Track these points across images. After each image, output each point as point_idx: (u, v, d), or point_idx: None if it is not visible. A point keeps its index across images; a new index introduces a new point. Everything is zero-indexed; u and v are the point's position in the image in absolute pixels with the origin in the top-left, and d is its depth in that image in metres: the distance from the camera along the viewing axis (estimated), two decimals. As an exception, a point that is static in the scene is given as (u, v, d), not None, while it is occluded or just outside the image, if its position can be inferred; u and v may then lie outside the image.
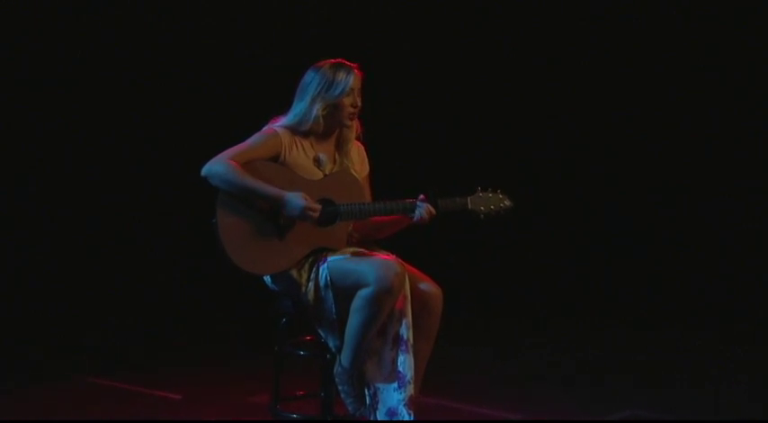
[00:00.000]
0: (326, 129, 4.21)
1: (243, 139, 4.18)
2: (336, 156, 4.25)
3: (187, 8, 6.27)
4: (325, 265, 4.08)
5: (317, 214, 3.95)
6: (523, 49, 6.58)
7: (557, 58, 6.53)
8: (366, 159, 4.35)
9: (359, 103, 4.17)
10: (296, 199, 3.98)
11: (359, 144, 4.33)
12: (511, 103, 6.64)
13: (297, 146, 4.19)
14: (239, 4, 6.32)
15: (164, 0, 6.27)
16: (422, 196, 4.13)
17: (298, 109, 4.16)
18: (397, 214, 4.15)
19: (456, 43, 6.56)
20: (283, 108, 4.27)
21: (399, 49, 6.42)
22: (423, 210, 4.09)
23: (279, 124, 4.18)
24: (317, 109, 4.13)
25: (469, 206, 4.19)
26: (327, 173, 4.20)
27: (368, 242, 4.28)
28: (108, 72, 6.22)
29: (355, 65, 4.19)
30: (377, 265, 3.97)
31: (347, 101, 4.15)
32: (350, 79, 4.13)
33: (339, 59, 4.20)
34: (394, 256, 4.07)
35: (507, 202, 4.23)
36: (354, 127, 4.25)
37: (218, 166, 4.03)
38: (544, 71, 6.58)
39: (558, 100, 6.61)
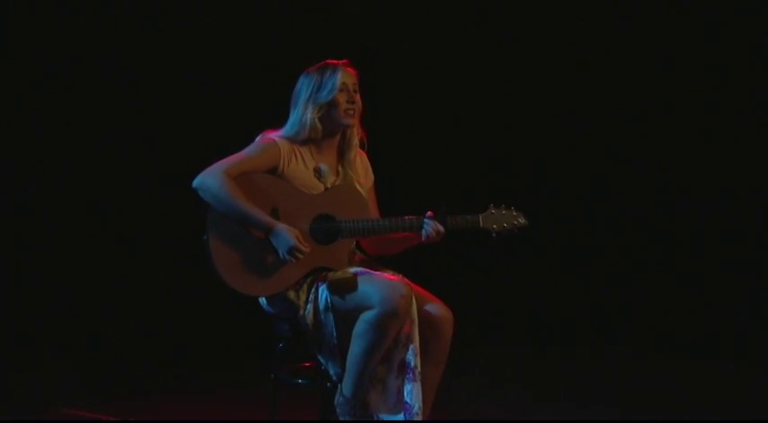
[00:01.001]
0: (326, 133, 4.09)
1: (242, 141, 4.13)
2: (339, 167, 4.13)
3: (184, 8, 6.22)
4: (325, 285, 3.95)
5: (302, 257, 3.85)
6: (545, 55, 6.52)
7: (580, 66, 6.49)
8: (370, 169, 4.24)
9: (355, 99, 4.06)
10: (285, 235, 3.88)
11: (362, 153, 4.21)
12: (533, 112, 6.54)
13: (296, 156, 4.08)
14: (239, 4, 6.27)
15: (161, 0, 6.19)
16: (429, 213, 4.01)
17: (293, 118, 4.08)
18: (403, 232, 4.04)
19: (468, 44, 6.47)
20: (282, 111, 4.19)
21: (407, 49, 6.36)
22: (430, 228, 3.98)
23: (277, 135, 4.08)
24: (311, 113, 4.03)
25: (481, 224, 4.07)
26: (329, 185, 4.08)
27: (372, 261, 4.17)
28: (107, 72, 6.18)
29: (344, 61, 4.10)
30: (381, 286, 3.84)
31: (341, 98, 4.04)
32: (337, 75, 4.04)
33: (326, 60, 4.12)
34: (400, 277, 3.96)
35: (521, 220, 4.12)
36: (356, 131, 4.13)
37: (211, 179, 3.91)
38: (567, 84, 6.51)
39: (584, 114, 6.53)
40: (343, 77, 4.05)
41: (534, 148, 6.60)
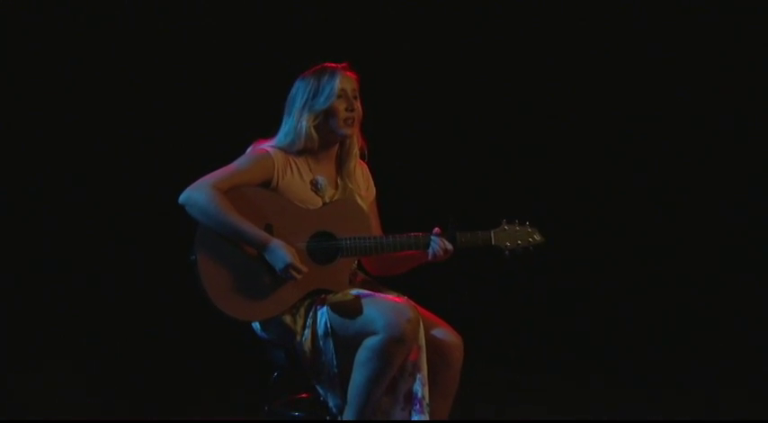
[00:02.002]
0: (323, 144, 3.97)
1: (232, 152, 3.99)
2: (338, 179, 4.02)
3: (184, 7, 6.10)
4: (325, 309, 3.82)
5: (299, 276, 3.76)
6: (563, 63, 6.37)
7: (604, 72, 6.33)
8: (371, 181, 4.13)
9: (355, 107, 3.93)
10: (281, 251, 3.77)
11: (362, 163, 4.10)
12: (553, 122, 6.37)
13: (291, 168, 3.95)
14: (230, 3, 6.12)
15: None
16: (436, 229, 3.90)
17: (287, 127, 3.96)
18: (408, 250, 3.93)
19: (479, 43, 6.30)
20: (277, 118, 4.04)
21: (409, 49, 6.20)
22: (437, 245, 3.88)
23: (270, 145, 3.95)
24: (307, 122, 3.91)
25: (493, 241, 3.96)
26: (327, 199, 3.97)
27: (374, 282, 4.05)
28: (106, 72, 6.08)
29: (343, 65, 3.97)
30: (386, 310, 3.72)
31: (339, 105, 3.91)
32: (335, 80, 3.91)
33: (323, 64, 3.99)
34: (405, 299, 3.84)
35: (537, 237, 4.00)
36: (356, 140, 4.01)
37: (199, 193, 3.78)
38: (594, 93, 6.34)
39: (613, 124, 6.38)
40: (342, 82, 3.92)
41: (552, 161, 6.43)
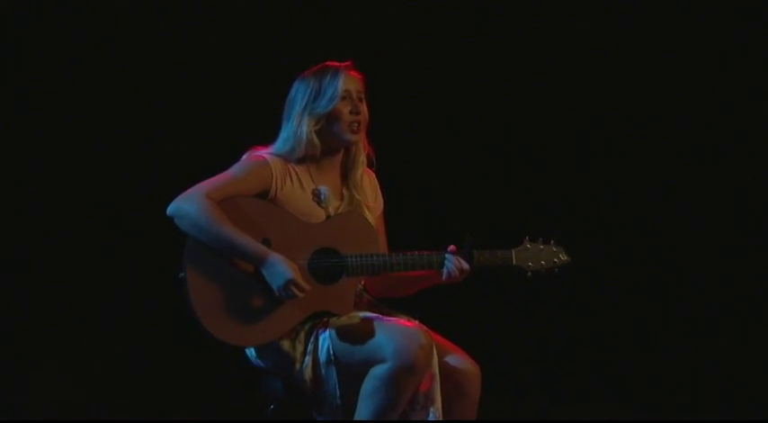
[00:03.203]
0: (326, 151, 3.83)
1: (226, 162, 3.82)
2: (344, 189, 3.89)
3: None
4: (327, 334, 3.68)
5: (301, 295, 3.62)
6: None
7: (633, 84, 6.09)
8: (379, 191, 4.00)
9: (361, 110, 3.80)
10: (281, 266, 3.62)
11: (370, 172, 3.97)
12: (581, 133, 6.13)
13: (291, 177, 3.82)
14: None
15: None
16: (452, 247, 3.77)
17: (286, 132, 3.83)
18: (420, 269, 3.80)
19: (496, 44, 6.06)
20: (276, 123, 3.89)
21: (418, 47, 5.96)
22: (453, 265, 3.74)
23: (267, 152, 3.83)
24: (308, 126, 3.78)
25: (514, 261, 3.84)
26: (331, 211, 3.83)
27: (382, 304, 3.92)
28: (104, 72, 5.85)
29: (347, 64, 3.84)
30: (395, 335, 3.58)
31: (343, 108, 3.77)
32: (339, 81, 3.78)
33: (325, 62, 3.86)
34: (417, 323, 3.67)
35: (563, 257, 3.89)
36: (362, 145, 3.88)
37: (190, 204, 3.64)
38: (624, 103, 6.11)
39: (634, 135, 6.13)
40: (346, 83, 3.79)
41: (584, 173, 6.15)
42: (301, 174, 3.81)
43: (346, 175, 3.90)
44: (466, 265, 3.73)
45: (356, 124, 3.78)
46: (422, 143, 5.85)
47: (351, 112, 3.77)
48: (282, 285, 3.60)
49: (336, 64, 3.82)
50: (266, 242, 3.68)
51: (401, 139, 5.08)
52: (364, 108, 3.81)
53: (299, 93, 3.82)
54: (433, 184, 5.93)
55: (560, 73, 6.10)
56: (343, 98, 3.76)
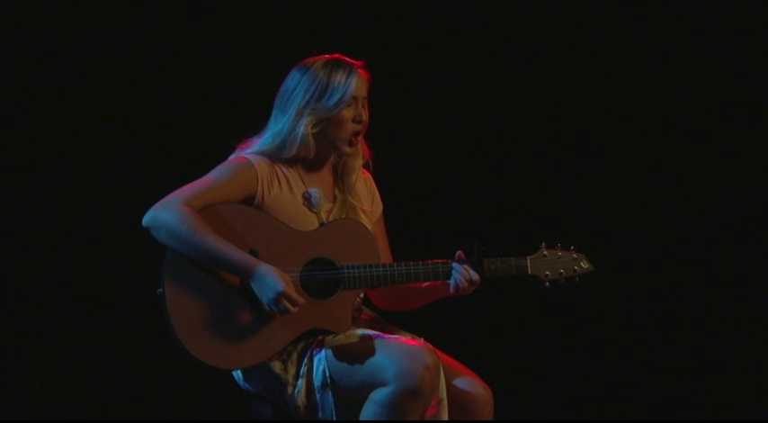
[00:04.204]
0: (320, 152, 3.66)
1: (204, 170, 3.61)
2: (336, 190, 3.73)
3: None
4: (323, 354, 3.52)
5: (294, 309, 3.44)
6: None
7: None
8: (377, 195, 3.84)
9: (364, 118, 3.62)
10: (271, 278, 3.44)
11: (367, 174, 3.82)
12: (599, 128, 5.91)
13: (278, 179, 3.63)
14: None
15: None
16: (459, 254, 3.61)
17: (278, 126, 3.62)
18: (425, 281, 3.64)
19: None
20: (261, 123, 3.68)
21: (422, 43, 5.76)
22: (460, 275, 3.57)
23: (251, 151, 3.62)
24: (306, 125, 3.58)
25: (530, 270, 3.67)
26: (324, 216, 3.67)
27: (384, 320, 3.78)
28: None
29: (360, 63, 3.63)
30: (399, 355, 3.44)
31: (348, 114, 3.58)
32: (352, 82, 3.58)
33: (336, 55, 3.64)
34: (423, 341, 3.53)
35: (585, 265, 3.72)
36: (360, 151, 3.71)
37: (167, 213, 3.46)
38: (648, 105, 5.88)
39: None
40: (357, 87, 3.58)
41: (606, 171, 5.93)
42: (290, 175, 3.64)
43: (339, 176, 3.74)
44: (475, 276, 3.57)
45: (356, 134, 3.61)
46: (425, 139, 5.67)
47: (354, 121, 3.59)
48: (273, 299, 3.42)
49: (350, 61, 3.63)
50: (253, 253, 3.50)
51: (403, 135, 4.96)
52: (367, 115, 3.64)
53: (303, 85, 3.61)
54: (439, 184, 5.73)
55: (551, 73, 5.85)
56: (349, 104, 3.58)
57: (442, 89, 5.85)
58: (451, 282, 3.55)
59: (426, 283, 3.66)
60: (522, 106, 5.94)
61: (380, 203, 3.82)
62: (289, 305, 3.43)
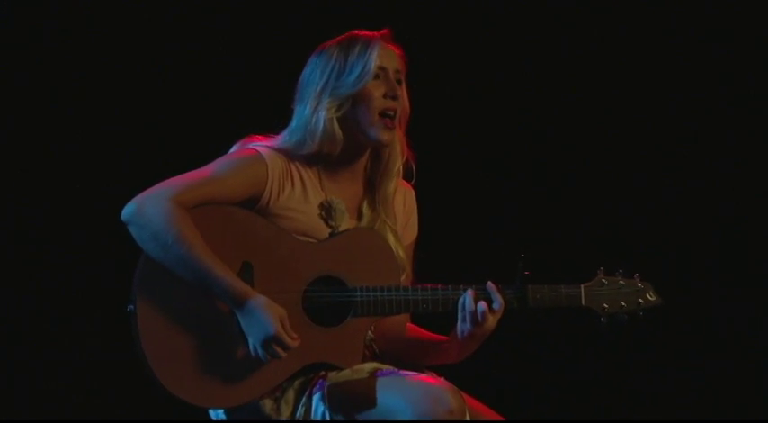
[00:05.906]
0: (346, 149, 3.19)
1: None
2: (365, 205, 3.28)
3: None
4: (323, 392, 3.11)
5: (284, 354, 3.04)
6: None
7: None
8: (415, 215, 3.39)
9: (398, 93, 3.14)
10: (262, 316, 3.02)
11: (407, 186, 3.37)
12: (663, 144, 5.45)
13: (293, 182, 3.19)
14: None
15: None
16: (490, 284, 3.17)
17: (297, 120, 3.19)
18: (454, 309, 3.15)
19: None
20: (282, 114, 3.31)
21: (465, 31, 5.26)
22: (468, 306, 3.16)
23: (265, 144, 3.20)
24: (327, 111, 3.15)
25: (583, 301, 3.26)
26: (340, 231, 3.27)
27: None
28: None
29: (383, 32, 3.20)
30: (416, 396, 3.03)
31: (375, 89, 3.12)
32: (371, 53, 3.12)
33: (353, 32, 3.24)
34: (443, 380, 3.11)
35: (651, 297, 3.31)
36: (399, 149, 3.24)
37: (153, 207, 3.05)
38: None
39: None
40: (381, 58, 3.16)
41: (671, 183, 5.47)
42: (308, 178, 3.21)
43: (372, 187, 3.29)
44: (482, 307, 3.07)
45: (391, 113, 3.16)
46: (462, 149, 5.21)
47: (385, 96, 3.15)
48: (262, 342, 3.03)
49: (368, 33, 3.24)
50: (246, 267, 3.06)
51: (436, 141, 4.46)
52: (404, 94, 3.20)
53: (318, 68, 3.21)
54: (476, 198, 5.27)
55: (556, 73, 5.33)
56: (376, 76, 3.15)
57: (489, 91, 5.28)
58: (457, 326, 3.09)
59: (436, 337, 3.26)
60: (590, 107, 5.36)
61: (416, 227, 3.40)
62: (279, 351, 3.06)
